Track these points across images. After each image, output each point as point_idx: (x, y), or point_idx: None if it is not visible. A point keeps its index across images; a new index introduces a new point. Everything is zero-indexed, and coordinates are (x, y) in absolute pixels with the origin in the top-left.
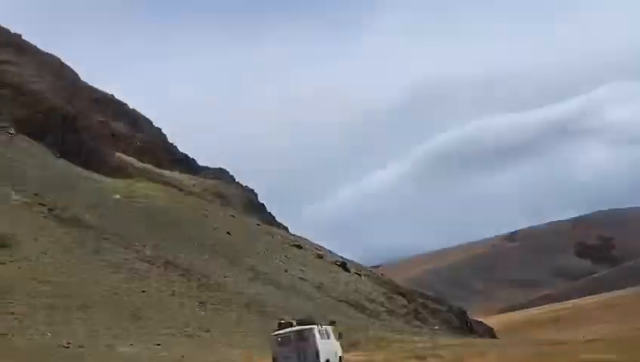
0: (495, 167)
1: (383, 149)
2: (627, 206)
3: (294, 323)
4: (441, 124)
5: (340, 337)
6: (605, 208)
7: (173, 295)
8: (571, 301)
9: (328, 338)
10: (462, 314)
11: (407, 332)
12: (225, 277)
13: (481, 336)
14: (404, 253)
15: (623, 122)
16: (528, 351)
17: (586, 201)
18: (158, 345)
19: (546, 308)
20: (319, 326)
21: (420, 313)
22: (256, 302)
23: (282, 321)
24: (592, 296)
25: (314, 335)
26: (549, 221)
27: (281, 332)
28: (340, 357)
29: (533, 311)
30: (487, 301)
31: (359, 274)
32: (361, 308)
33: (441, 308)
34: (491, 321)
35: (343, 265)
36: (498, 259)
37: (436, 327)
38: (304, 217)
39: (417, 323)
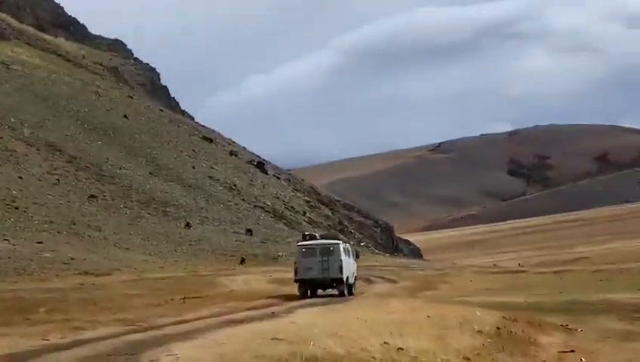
0: (424, 69)
1: (299, 38)
2: (567, 122)
3: (318, 236)
4: (367, 14)
5: (357, 257)
6: (544, 123)
7: (56, 184)
8: (496, 223)
9: (349, 256)
10: (388, 231)
11: None
12: (120, 168)
13: (406, 256)
14: (315, 159)
15: (564, 28)
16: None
17: (522, 114)
18: (40, 243)
19: (469, 230)
20: (344, 244)
21: (346, 226)
22: (156, 200)
23: (307, 233)
24: (521, 220)
25: (339, 251)
26: (481, 133)
27: (306, 243)
28: (355, 277)
29: (455, 233)
30: (405, 217)
31: (278, 177)
32: (280, 217)
33: (367, 223)
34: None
35: (260, 165)
36: (422, 171)
37: (362, 244)
38: (205, 108)
39: (342, 236)
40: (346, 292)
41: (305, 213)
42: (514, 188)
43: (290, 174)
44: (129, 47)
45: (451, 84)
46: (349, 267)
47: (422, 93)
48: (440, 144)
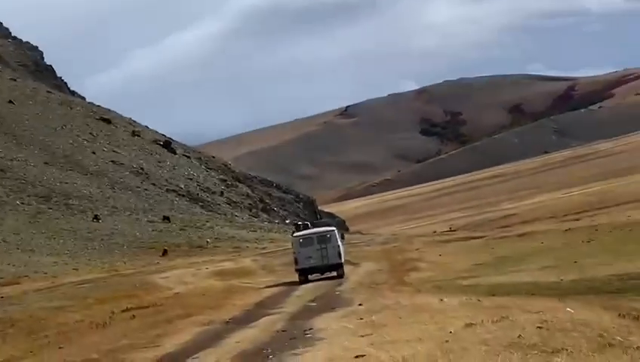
0: (322, 29)
1: (185, 6)
2: (476, 75)
3: (309, 225)
4: None
5: (342, 238)
6: (453, 77)
7: None
8: (414, 187)
9: (342, 240)
10: (311, 204)
11: (258, 227)
12: (11, 160)
13: None
14: (215, 134)
15: None
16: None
17: (429, 70)
18: None
19: (386, 196)
20: (337, 229)
21: (267, 204)
22: (56, 192)
23: (299, 223)
24: (439, 181)
25: (335, 237)
26: (388, 93)
27: (303, 233)
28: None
29: (372, 200)
30: (318, 188)
31: (188, 157)
32: (197, 200)
33: (288, 198)
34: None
35: (167, 144)
36: (330, 138)
37: (287, 221)
38: (90, 88)
39: (265, 215)
40: (344, 274)
41: (222, 193)
42: (428, 148)
43: (200, 152)
44: (5, 25)
45: (352, 44)
46: (344, 250)
47: (322, 56)
48: (347, 108)
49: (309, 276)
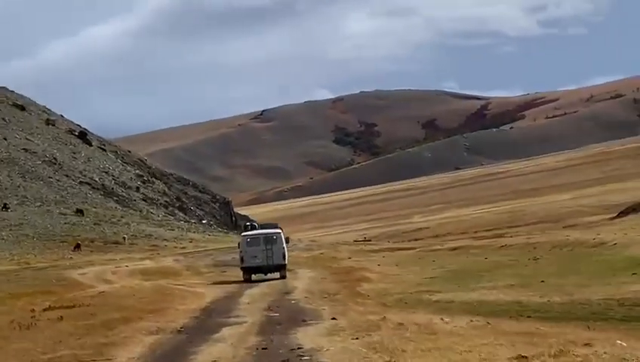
0: (241, 33)
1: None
2: (392, 87)
3: (257, 226)
4: None
5: (287, 242)
6: (369, 89)
7: None
8: (325, 195)
9: (287, 242)
10: (227, 205)
11: (175, 226)
12: None
13: None
14: (128, 129)
15: None
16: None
17: (346, 80)
18: None
19: (297, 202)
20: (282, 231)
21: (184, 203)
22: None
23: (248, 224)
24: (351, 191)
25: (281, 239)
26: (305, 100)
27: (250, 233)
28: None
29: (282, 205)
30: (229, 191)
31: (103, 149)
32: (111, 194)
33: (204, 198)
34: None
35: (83, 135)
36: (244, 141)
37: (204, 221)
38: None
39: (181, 214)
40: (286, 276)
41: (138, 188)
42: (341, 157)
43: (116, 146)
44: None
45: (270, 49)
46: (287, 253)
47: (240, 59)
48: (262, 112)
49: (253, 275)
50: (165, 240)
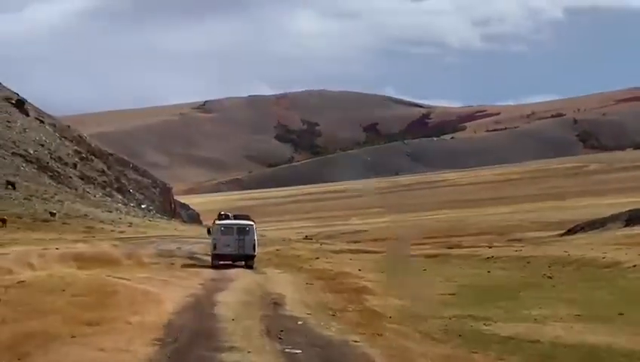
0: (187, 20)
1: None
2: (340, 89)
3: (231, 216)
4: None
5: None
6: (314, 88)
7: None
8: (263, 190)
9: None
10: (167, 192)
11: (113, 208)
12: None
13: (186, 223)
14: (63, 110)
15: None
16: None
17: (290, 77)
18: None
19: (234, 195)
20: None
21: (123, 184)
22: None
23: (222, 213)
24: (289, 188)
25: (253, 231)
26: (249, 94)
27: (225, 222)
28: None
29: (219, 198)
30: (165, 178)
31: (41, 121)
32: (46, 168)
33: (144, 182)
34: None
35: (20, 104)
36: (185, 131)
37: (144, 206)
38: None
39: (120, 196)
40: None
41: (76, 165)
42: (281, 154)
43: (55, 119)
44: None
45: (216, 40)
46: (257, 244)
47: (184, 48)
48: (205, 103)
49: (220, 262)
50: (102, 221)
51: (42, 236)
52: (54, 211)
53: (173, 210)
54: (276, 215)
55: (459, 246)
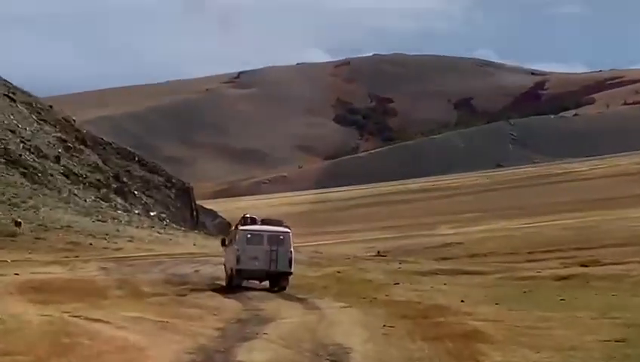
0: None
1: None
2: (419, 52)
3: (258, 220)
4: None
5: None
6: (384, 51)
7: None
8: (319, 191)
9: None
10: (186, 194)
11: (110, 216)
12: None
13: (211, 234)
14: (57, 87)
15: None
16: None
17: (351, 38)
18: None
19: (279, 198)
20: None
21: (126, 184)
22: None
23: (247, 216)
24: (354, 187)
25: (290, 241)
26: (297, 62)
27: (251, 228)
28: None
29: (259, 201)
30: (189, 177)
31: (12, 99)
32: (17, 163)
33: (155, 180)
34: None
35: None
36: (212, 113)
37: (153, 213)
38: None
39: (120, 200)
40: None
41: (59, 158)
42: (342, 142)
43: (31, 96)
44: None
45: None
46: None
47: (210, 3)
48: (239, 74)
49: (244, 281)
50: (91, 235)
51: (2, 257)
52: (19, 220)
53: (194, 219)
54: (336, 224)
55: (596, 263)
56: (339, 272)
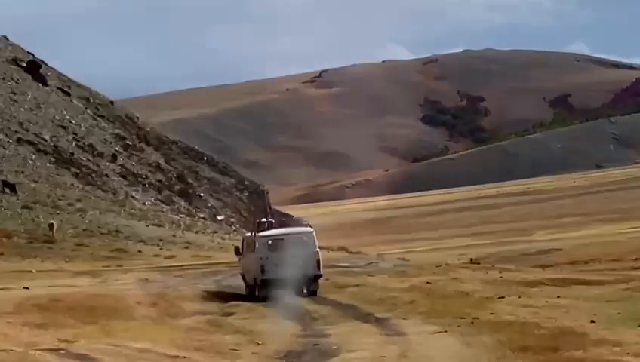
0: None
1: None
2: (511, 47)
3: (274, 222)
4: None
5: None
6: (475, 47)
7: None
8: (405, 195)
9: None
10: (260, 197)
11: (168, 221)
12: None
13: None
14: (128, 89)
15: None
16: None
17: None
18: None
19: (364, 203)
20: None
21: (190, 185)
22: None
23: (262, 220)
24: (443, 191)
25: (314, 241)
26: (382, 59)
27: (270, 233)
28: None
29: (343, 207)
30: (269, 182)
31: (66, 92)
32: (68, 162)
33: (225, 182)
34: None
35: (34, 67)
36: (293, 113)
37: (221, 218)
38: None
39: (184, 203)
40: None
41: (116, 157)
42: (431, 143)
43: (88, 89)
44: None
45: None
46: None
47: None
48: (321, 73)
49: (271, 291)
50: (142, 241)
51: (28, 265)
52: (52, 222)
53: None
54: (425, 229)
55: None
56: (428, 283)
